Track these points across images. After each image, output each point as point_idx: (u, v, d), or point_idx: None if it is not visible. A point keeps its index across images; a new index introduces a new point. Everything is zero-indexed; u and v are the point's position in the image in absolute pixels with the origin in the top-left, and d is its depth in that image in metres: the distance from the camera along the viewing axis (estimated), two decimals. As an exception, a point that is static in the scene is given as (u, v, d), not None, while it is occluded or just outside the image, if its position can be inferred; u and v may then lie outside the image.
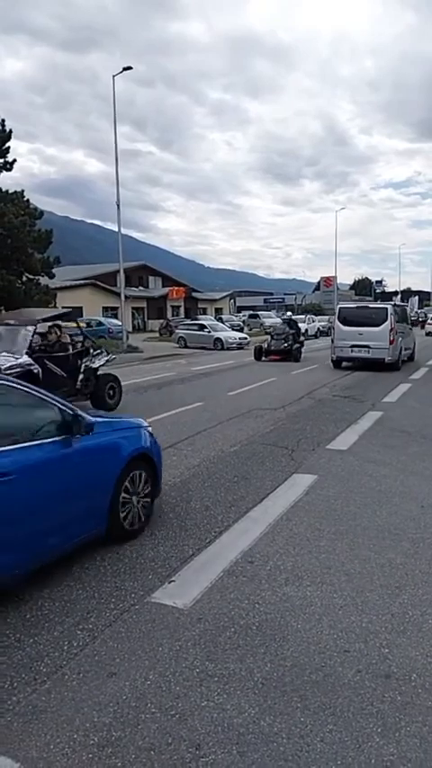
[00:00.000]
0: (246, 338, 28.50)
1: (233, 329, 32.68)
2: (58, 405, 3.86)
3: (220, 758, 2.26)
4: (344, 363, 16.39)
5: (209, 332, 27.62)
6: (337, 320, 16.59)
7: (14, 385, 3.84)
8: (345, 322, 16.19)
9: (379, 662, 2.87)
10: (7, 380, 3.88)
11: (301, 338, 21.45)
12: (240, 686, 2.70)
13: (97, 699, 2.60)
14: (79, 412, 3.95)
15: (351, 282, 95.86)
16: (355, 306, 19.68)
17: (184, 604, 3.42)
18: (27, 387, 3.87)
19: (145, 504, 4.58)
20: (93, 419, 4.08)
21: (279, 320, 28.59)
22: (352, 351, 15.83)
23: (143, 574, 3.83)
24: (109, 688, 2.68)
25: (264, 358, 19.84)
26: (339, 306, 18.61)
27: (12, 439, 3.44)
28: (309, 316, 40.49)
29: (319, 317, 41.66)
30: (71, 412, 3.85)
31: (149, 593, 3.57)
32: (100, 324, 33.68)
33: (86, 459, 3.98)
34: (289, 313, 29.53)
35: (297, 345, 20.01)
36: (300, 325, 23.46)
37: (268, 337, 21.79)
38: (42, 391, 3.92)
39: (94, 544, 4.28)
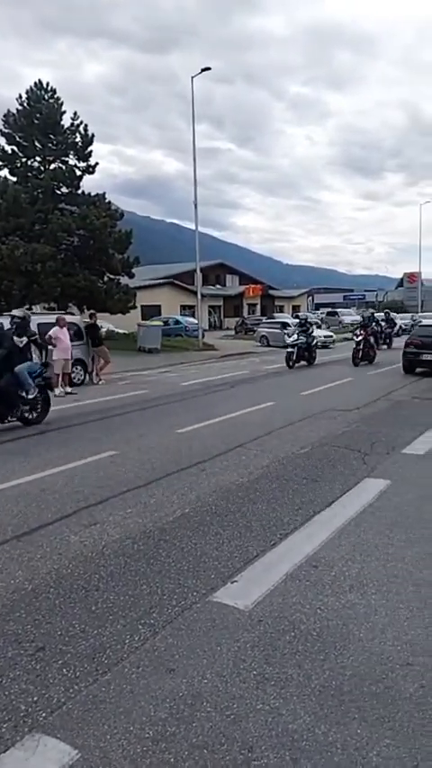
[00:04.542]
0: (331, 336, 27.97)
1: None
2: None
3: (272, 762, 2.25)
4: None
5: None
6: None
7: None
8: None
9: (445, 679, 2.75)
10: None
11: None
12: (297, 692, 2.67)
13: (155, 693, 2.66)
14: None
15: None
16: None
17: (245, 605, 3.42)
18: None
19: None
20: None
21: (359, 317, 25.49)
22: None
23: (206, 572, 3.87)
24: (167, 684, 2.73)
25: None
26: None
27: None
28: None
29: (401, 315, 40.16)
30: None
31: (211, 592, 3.61)
32: (177, 322, 34.36)
33: None
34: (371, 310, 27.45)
35: None
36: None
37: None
38: None
39: (158, 539, 4.39)
